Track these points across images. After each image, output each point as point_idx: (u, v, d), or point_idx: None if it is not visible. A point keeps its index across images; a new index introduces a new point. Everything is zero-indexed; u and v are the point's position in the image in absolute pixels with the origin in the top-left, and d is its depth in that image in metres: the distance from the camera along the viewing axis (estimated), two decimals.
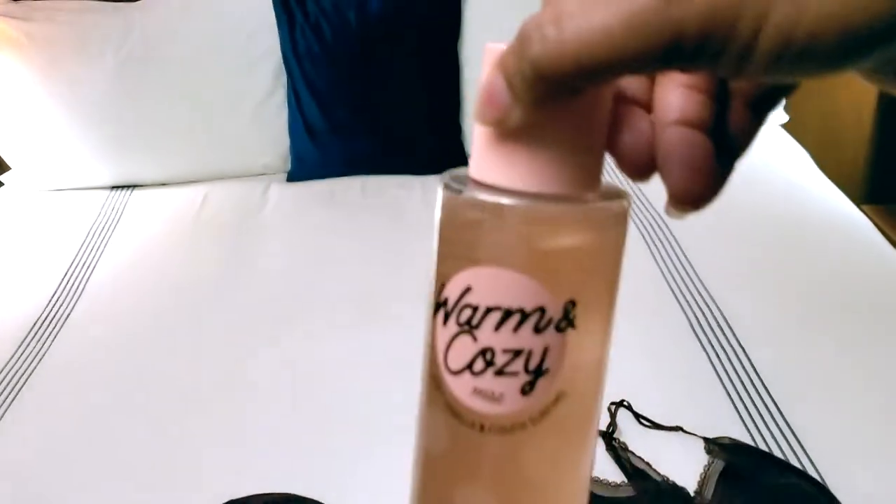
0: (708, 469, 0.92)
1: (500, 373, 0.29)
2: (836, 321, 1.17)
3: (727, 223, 1.42)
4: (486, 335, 0.29)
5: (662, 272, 1.30)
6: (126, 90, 1.62)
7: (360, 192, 1.57)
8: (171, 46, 1.62)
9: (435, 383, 0.30)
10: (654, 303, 1.22)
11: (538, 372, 0.29)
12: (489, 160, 0.28)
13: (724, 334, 1.15)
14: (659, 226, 1.42)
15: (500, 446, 0.30)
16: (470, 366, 0.29)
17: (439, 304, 0.30)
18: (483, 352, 0.29)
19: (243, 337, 1.21)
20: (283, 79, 1.66)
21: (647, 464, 0.93)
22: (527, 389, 0.29)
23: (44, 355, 1.20)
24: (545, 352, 0.29)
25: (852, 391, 1.04)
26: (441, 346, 0.30)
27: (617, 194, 0.29)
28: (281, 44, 1.63)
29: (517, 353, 0.29)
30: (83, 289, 1.36)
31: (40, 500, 0.94)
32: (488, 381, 0.29)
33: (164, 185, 1.68)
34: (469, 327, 0.29)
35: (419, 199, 1.56)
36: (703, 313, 1.19)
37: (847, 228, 1.41)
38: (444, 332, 0.30)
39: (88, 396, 1.12)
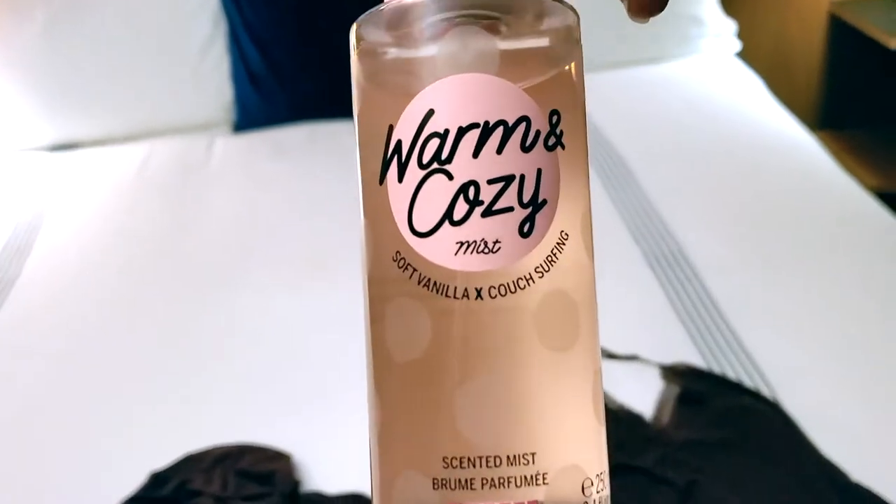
0: (664, 395, 0.91)
1: (489, 212, 0.23)
2: (790, 249, 1.17)
3: (682, 155, 1.41)
4: (465, 166, 0.23)
5: (616, 205, 1.29)
6: (58, 46, 1.55)
7: (308, 141, 1.53)
8: None
9: (395, 269, 0.24)
10: (608, 235, 1.21)
11: (536, 203, 0.24)
12: None
13: (678, 265, 1.14)
14: (613, 159, 1.40)
15: (504, 314, 0.24)
16: (449, 214, 0.23)
17: (388, 158, 0.24)
18: (463, 189, 0.23)
19: (192, 294, 1.19)
20: (223, 25, 1.60)
21: (604, 393, 0.92)
22: (526, 229, 0.24)
23: None
24: (539, 176, 0.24)
25: (806, 316, 1.04)
26: (401, 211, 0.24)
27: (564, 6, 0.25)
28: None
29: (507, 182, 0.23)
30: (28, 252, 1.32)
31: None
32: (476, 226, 0.23)
33: (105, 143, 1.62)
34: (439, 163, 0.23)
35: None
36: (659, 245, 1.18)
37: (801, 156, 1.40)
38: (403, 190, 0.24)
39: (34, 361, 1.09)
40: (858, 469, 0.81)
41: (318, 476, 0.87)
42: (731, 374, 0.94)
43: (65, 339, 1.12)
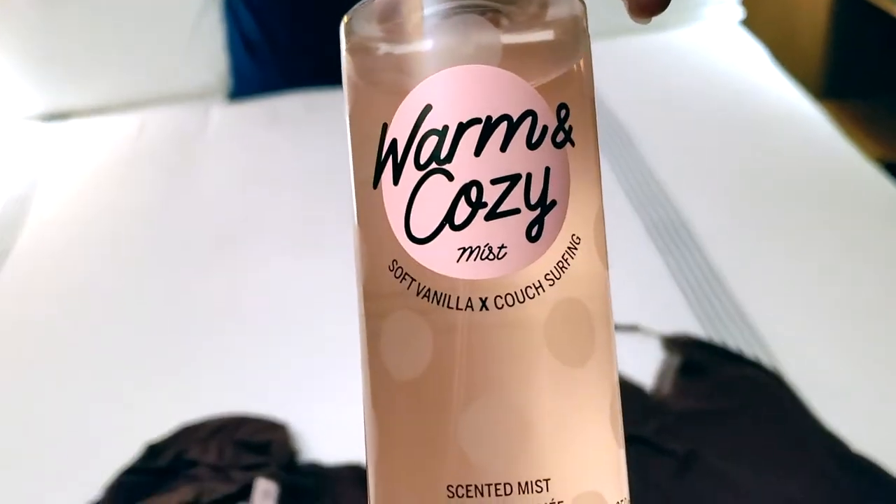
0: (665, 366, 0.90)
1: (493, 215, 0.21)
2: (793, 218, 1.16)
3: (684, 123, 1.39)
4: (466, 165, 0.21)
5: (617, 173, 1.27)
6: (50, 14, 1.53)
7: (304, 109, 1.51)
8: None
9: (391, 280, 0.22)
10: (608, 205, 1.19)
11: (544, 205, 0.22)
12: None
13: (679, 234, 1.13)
14: (614, 128, 1.38)
15: (512, 326, 0.22)
16: (449, 218, 0.21)
17: (383, 159, 0.22)
18: (465, 190, 0.21)
19: (188, 263, 1.18)
20: None
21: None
22: (534, 232, 0.22)
23: None
24: (547, 175, 0.22)
25: (807, 285, 1.03)
26: (397, 216, 0.22)
27: None
28: None
29: (512, 182, 0.21)
30: (22, 224, 1.30)
31: None
32: (479, 230, 0.21)
33: (98, 113, 1.60)
34: (438, 163, 0.21)
35: None
36: (659, 214, 1.17)
37: (804, 125, 1.38)
38: (399, 193, 0.22)
39: (28, 333, 1.08)
40: (859, 439, 0.80)
41: (315, 446, 0.87)
42: (732, 344, 0.93)
43: (60, 311, 1.11)
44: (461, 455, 0.22)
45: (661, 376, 0.89)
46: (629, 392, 0.87)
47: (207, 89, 1.62)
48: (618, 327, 0.95)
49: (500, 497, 0.21)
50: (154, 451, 0.85)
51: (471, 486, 0.21)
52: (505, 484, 0.21)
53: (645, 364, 0.90)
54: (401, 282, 0.22)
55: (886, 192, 1.18)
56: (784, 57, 1.63)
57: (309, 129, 1.46)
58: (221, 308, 1.08)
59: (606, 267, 0.24)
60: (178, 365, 1.00)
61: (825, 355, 0.92)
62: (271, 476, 0.80)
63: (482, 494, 0.21)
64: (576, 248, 0.22)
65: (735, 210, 1.17)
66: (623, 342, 0.94)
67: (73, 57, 1.55)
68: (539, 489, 0.21)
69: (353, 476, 0.81)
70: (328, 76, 1.56)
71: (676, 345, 0.92)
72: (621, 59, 1.56)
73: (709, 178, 1.26)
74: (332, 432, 0.87)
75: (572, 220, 0.22)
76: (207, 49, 1.58)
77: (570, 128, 0.22)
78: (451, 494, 0.22)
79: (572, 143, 0.23)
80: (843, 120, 1.70)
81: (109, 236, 1.26)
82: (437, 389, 0.22)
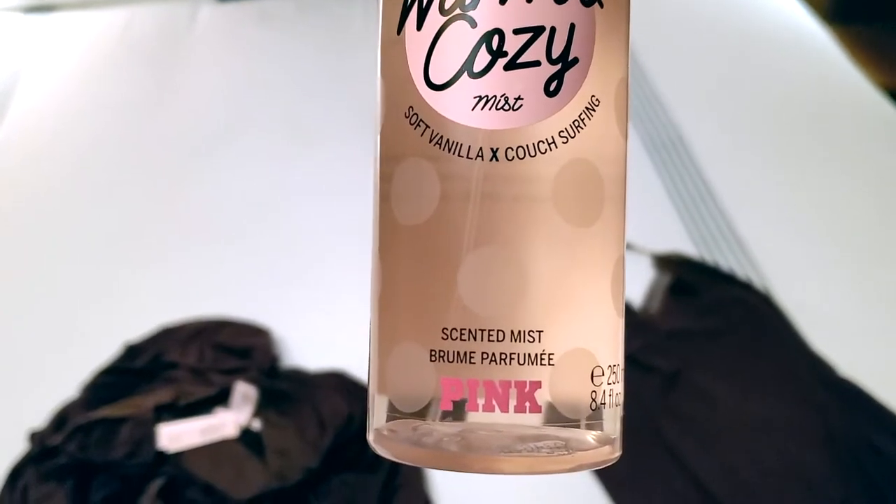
0: (655, 284, 0.89)
1: (513, 65, 0.21)
2: (794, 142, 1.13)
3: (688, 41, 1.34)
4: (490, 12, 0.21)
5: None
6: None
7: (294, 10, 1.46)
8: None
9: (406, 126, 0.22)
10: None
11: (566, 60, 0.21)
12: None
13: (677, 152, 1.10)
14: None
15: (521, 179, 0.22)
16: (469, 65, 0.21)
17: (409, 4, 0.22)
18: (487, 38, 0.21)
19: (173, 163, 1.15)
20: None
21: None
22: (553, 87, 0.21)
23: None
24: (571, 31, 0.21)
25: (804, 210, 1.02)
26: (417, 61, 0.22)
27: None
28: None
29: (535, 34, 0.21)
30: (2, 116, 1.26)
31: None
32: (497, 79, 0.21)
33: (83, 7, 1.54)
34: (462, 8, 0.21)
35: (360, 15, 1.44)
36: (658, 130, 1.14)
37: (811, 48, 1.34)
38: (421, 38, 0.22)
39: (7, 228, 1.05)
40: (846, 363, 0.79)
41: (296, 353, 0.85)
42: (724, 265, 0.91)
43: (39, 208, 1.08)
44: (459, 300, 0.22)
45: (651, 294, 0.88)
46: None
47: None
48: None
49: (492, 343, 0.22)
50: (132, 352, 0.84)
51: (465, 329, 0.22)
52: (498, 331, 0.22)
53: (635, 282, 0.89)
54: (415, 128, 0.22)
55: (890, 120, 1.15)
56: None
57: (299, 29, 1.41)
58: (206, 211, 1.05)
59: (624, 135, 0.23)
60: (160, 267, 0.98)
61: (817, 280, 0.91)
62: (251, 380, 0.79)
63: (475, 339, 0.22)
64: (593, 110, 0.22)
65: (736, 131, 1.15)
66: None
67: None
68: (531, 339, 0.22)
69: (334, 383, 0.80)
70: None
71: (668, 263, 0.90)
72: None
73: (711, 96, 1.23)
74: (315, 339, 0.86)
75: (593, 81, 0.22)
76: None
77: None
78: (445, 336, 0.22)
79: (601, 4, 0.22)
80: (850, 45, 1.65)
81: (93, 133, 1.22)
82: (441, 236, 0.22)
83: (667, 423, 0.75)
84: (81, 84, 1.34)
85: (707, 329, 0.83)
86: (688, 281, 0.88)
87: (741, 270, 0.91)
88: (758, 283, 0.89)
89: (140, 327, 0.86)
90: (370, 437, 0.24)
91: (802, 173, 1.07)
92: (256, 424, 0.76)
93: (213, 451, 0.73)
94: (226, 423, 0.74)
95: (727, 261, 0.92)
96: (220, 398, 0.78)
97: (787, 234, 0.97)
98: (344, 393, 0.79)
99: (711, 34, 1.36)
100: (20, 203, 1.10)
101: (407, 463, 0.23)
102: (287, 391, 0.79)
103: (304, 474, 0.71)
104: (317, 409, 0.77)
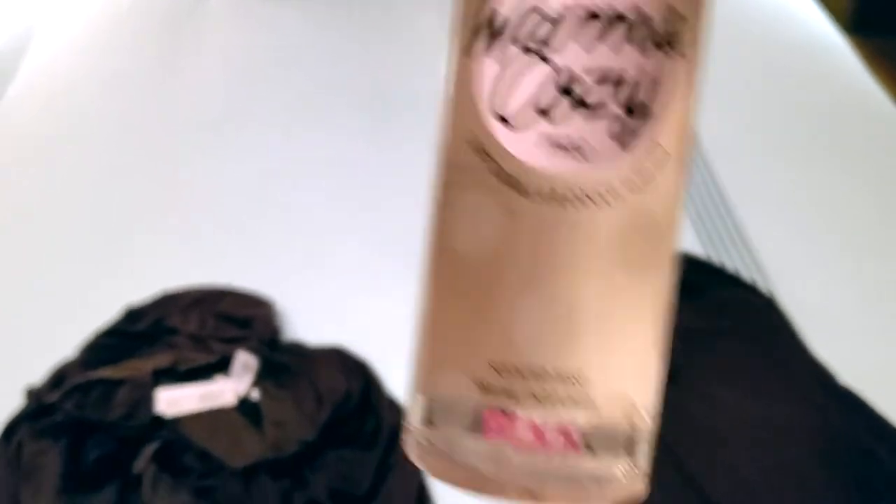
0: None
1: (587, 109, 0.21)
2: (804, 144, 1.13)
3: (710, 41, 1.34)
4: (569, 53, 0.21)
5: None
6: None
7: None
8: None
9: (470, 154, 0.22)
10: None
11: (642, 111, 0.21)
12: None
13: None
14: None
15: (583, 224, 0.21)
16: (540, 103, 0.21)
17: (483, 25, 0.21)
18: (563, 78, 0.21)
19: (181, 131, 1.14)
20: None
21: None
22: (626, 139, 0.21)
23: None
24: (651, 83, 0.21)
25: (812, 213, 1.02)
26: (485, 91, 0.21)
27: None
28: None
29: (614, 82, 0.21)
30: (11, 77, 1.25)
31: None
32: (569, 122, 0.21)
33: None
34: (540, 44, 0.21)
35: None
36: None
37: (828, 55, 1.34)
38: (492, 67, 0.21)
39: (14, 191, 1.05)
40: (847, 372, 0.79)
41: (298, 326, 0.85)
42: (730, 266, 0.91)
43: (46, 171, 1.08)
44: (509, 336, 0.22)
45: None
46: None
47: None
48: None
49: (536, 381, 0.22)
50: (133, 316, 0.84)
51: (512, 366, 0.22)
52: (543, 370, 0.22)
53: None
54: (479, 159, 0.22)
55: None
56: None
57: (314, 3, 1.40)
58: (214, 181, 1.05)
59: (686, 187, 0.23)
60: (165, 234, 0.97)
61: (823, 283, 0.91)
62: (252, 350, 0.78)
63: (521, 376, 0.22)
64: (661, 162, 0.22)
65: (748, 132, 1.14)
66: None
67: None
68: (574, 382, 0.22)
69: (334, 358, 0.80)
70: None
71: None
72: None
73: (722, 92, 1.22)
74: (317, 314, 0.86)
75: (665, 134, 0.22)
76: None
77: (683, 40, 0.22)
78: (492, 370, 0.23)
79: (683, 56, 0.22)
80: (868, 56, 1.65)
81: (102, 102, 1.21)
82: (497, 270, 0.22)
83: (666, 423, 0.75)
84: (87, 56, 1.33)
85: (709, 328, 0.83)
86: (692, 280, 0.87)
87: (747, 273, 0.91)
88: (763, 285, 0.89)
89: (142, 291, 0.86)
90: (411, 455, 0.24)
91: (814, 179, 1.07)
92: (255, 394, 0.76)
93: (210, 418, 0.73)
94: (225, 390, 0.74)
95: (733, 260, 0.92)
96: (220, 366, 0.78)
97: (796, 238, 0.97)
98: (343, 369, 0.79)
99: (727, 37, 1.35)
100: (26, 167, 1.09)
101: (442, 481, 0.23)
102: (286, 364, 0.79)
103: (300, 447, 0.71)
104: (315, 383, 0.77)
